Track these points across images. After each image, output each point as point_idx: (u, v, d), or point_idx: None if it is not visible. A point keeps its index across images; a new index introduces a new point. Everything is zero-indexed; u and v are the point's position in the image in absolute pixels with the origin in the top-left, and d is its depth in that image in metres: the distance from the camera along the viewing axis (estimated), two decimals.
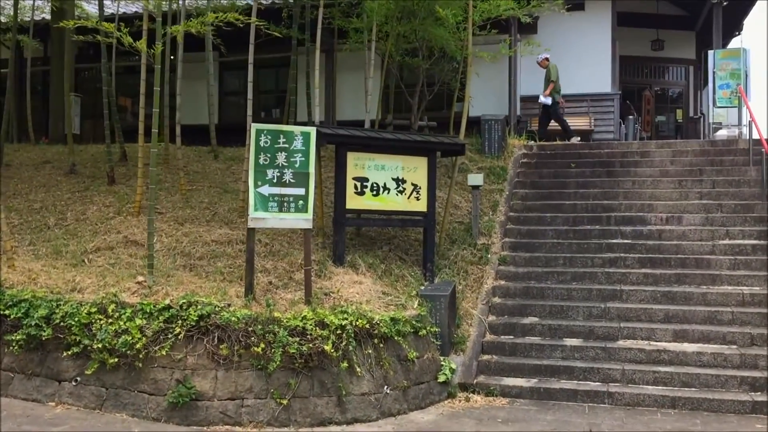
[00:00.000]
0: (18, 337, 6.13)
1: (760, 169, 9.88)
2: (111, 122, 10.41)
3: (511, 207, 10.07)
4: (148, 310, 6.10)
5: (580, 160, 11.12)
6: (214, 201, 9.14)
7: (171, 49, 10.68)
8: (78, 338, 6.04)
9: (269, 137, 6.56)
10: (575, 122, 13.82)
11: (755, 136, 10.22)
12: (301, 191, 6.64)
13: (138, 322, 6.02)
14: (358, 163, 7.78)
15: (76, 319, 6.07)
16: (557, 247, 9.04)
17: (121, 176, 10.10)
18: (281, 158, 6.58)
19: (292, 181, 6.61)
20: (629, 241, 8.94)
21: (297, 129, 6.77)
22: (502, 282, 8.53)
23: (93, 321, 6.08)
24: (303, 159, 6.66)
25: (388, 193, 7.92)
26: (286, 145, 6.61)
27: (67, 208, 8.93)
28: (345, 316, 6.30)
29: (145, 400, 5.88)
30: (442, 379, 6.84)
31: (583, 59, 13.99)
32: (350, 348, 6.16)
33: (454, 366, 7.03)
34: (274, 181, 6.56)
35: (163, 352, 5.92)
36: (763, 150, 9.76)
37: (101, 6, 10.88)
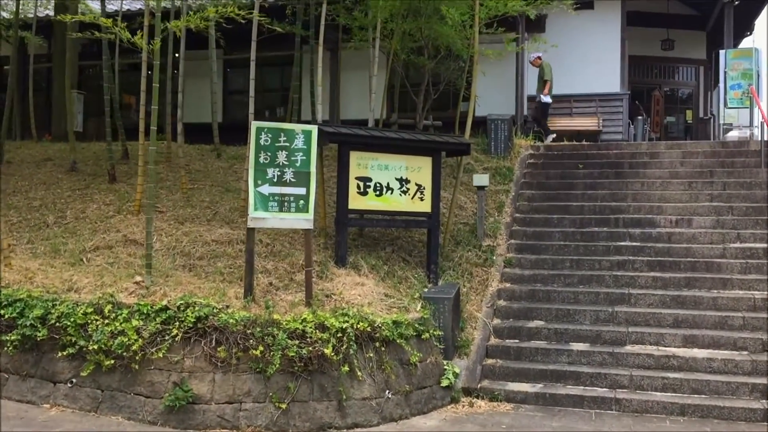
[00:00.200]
0: (13, 338, 6.03)
1: None
2: (113, 120, 10.30)
3: (517, 208, 9.91)
4: (145, 311, 5.98)
5: (587, 161, 10.96)
6: (215, 200, 9.02)
7: (173, 46, 10.59)
8: (74, 339, 5.93)
9: (270, 135, 6.43)
10: (583, 122, 13.67)
11: (767, 137, 10.02)
12: (302, 191, 6.50)
13: (135, 323, 5.90)
14: (361, 163, 7.64)
15: (72, 319, 5.96)
16: (564, 249, 8.88)
17: (122, 174, 10.00)
18: (282, 157, 6.45)
19: (292, 180, 6.48)
20: (638, 244, 8.76)
21: (298, 127, 6.63)
22: (508, 284, 8.38)
23: (89, 322, 5.97)
24: (304, 158, 6.52)
25: (392, 193, 7.77)
26: (287, 144, 6.47)
27: (66, 206, 8.83)
28: (346, 318, 6.16)
29: (141, 403, 5.76)
30: (445, 383, 6.69)
31: (591, 58, 13.80)
32: (351, 351, 6.02)
33: (457, 370, 6.88)
34: (275, 180, 6.42)
35: (160, 354, 5.79)
36: None
37: (103, 2, 10.78)
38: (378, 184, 7.70)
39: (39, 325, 6.00)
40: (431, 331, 6.85)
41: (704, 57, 16.94)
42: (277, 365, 5.77)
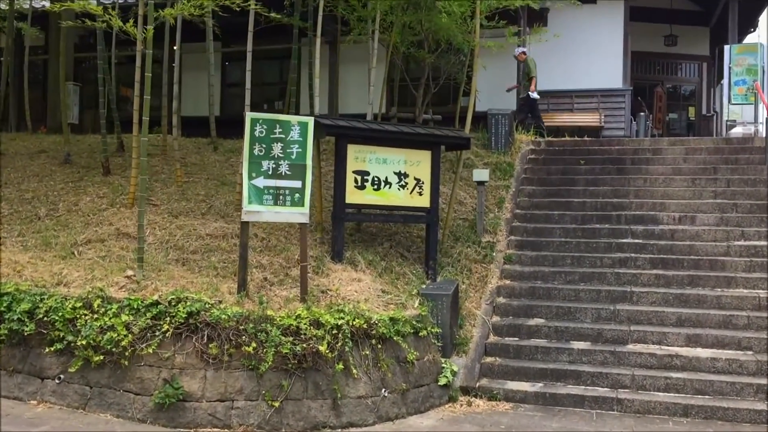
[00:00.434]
0: None
1: None
2: (107, 111, 10.13)
3: (517, 204, 9.75)
4: (135, 306, 5.83)
5: (589, 157, 10.80)
6: (210, 193, 8.86)
7: (170, 37, 10.43)
8: (62, 334, 5.76)
9: (265, 127, 6.27)
10: (584, 118, 13.51)
11: None
12: (297, 184, 6.34)
13: (124, 318, 5.74)
14: (358, 156, 7.48)
15: (60, 314, 5.80)
16: (565, 246, 8.73)
17: (117, 167, 9.85)
18: (277, 149, 6.29)
19: (288, 173, 6.31)
20: (640, 241, 8.61)
21: (294, 119, 6.46)
22: (507, 281, 8.23)
23: (78, 316, 5.81)
24: (300, 150, 6.36)
25: (390, 187, 7.62)
26: (283, 136, 6.31)
27: (59, 198, 8.67)
28: (341, 315, 6.01)
29: (130, 400, 5.61)
30: (443, 382, 6.54)
31: (593, 54, 13.65)
32: (346, 349, 5.87)
33: (455, 368, 6.73)
34: (270, 172, 6.26)
35: (150, 350, 5.64)
36: None
37: None
38: (376, 178, 7.55)
39: (26, 320, 5.84)
40: (429, 329, 6.70)
41: (707, 53, 16.78)
42: (271, 362, 5.62)
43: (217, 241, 7.47)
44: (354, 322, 5.99)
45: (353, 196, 7.46)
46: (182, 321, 5.72)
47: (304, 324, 5.80)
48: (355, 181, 7.46)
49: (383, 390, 6.03)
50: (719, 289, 7.74)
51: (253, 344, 5.64)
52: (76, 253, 7.12)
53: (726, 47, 12.62)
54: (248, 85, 8.69)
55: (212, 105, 11.39)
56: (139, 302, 5.86)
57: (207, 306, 5.84)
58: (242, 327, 5.73)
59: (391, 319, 6.29)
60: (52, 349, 5.77)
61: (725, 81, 12.56)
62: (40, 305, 5.89)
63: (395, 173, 7.63)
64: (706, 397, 6.38)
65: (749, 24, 15.96)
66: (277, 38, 12.07)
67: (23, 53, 13.71)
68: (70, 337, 5.74)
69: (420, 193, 7.76)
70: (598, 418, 6.18)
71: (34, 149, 11.14)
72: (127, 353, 5.64)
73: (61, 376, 5.76)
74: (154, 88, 9.85)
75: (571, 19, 13.37)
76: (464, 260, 8.42)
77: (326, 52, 13.07)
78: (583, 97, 13.66)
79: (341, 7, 11.00)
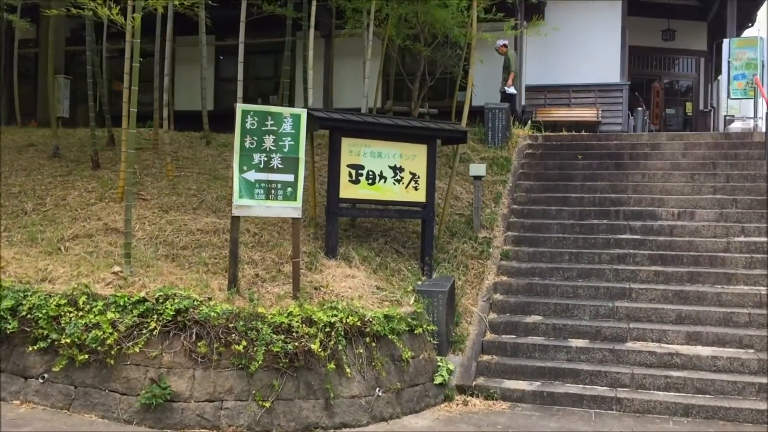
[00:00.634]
0: None
1: None
2: (98, 105, 9.93)
3: (514, 199, 9.61)
4: (121, 303, 5.66)
5: (587, 152, 10.66)
6: (202, 188, 8.68)
7: (162, 28, 10.22)
8: (46, 332, 5.60)
9: (256, 119, 6.09)
10: (582, 113, 13.37)
11: None
12: (289, 177, 6.17)
13: (110, 315, 5.57)
14: (353, 150, 7.31)
15: (44, 311, 5.64)
16: (563, 242, 8.59)
17: (107, 161, 9.65)
18: (269, 142, 6.11)
19: (280, 166, 6.15)
20: (639, 237, 8.48)
21: (286, 110, 6.29)
22: (504, 278, 8.08)
23: (62, 314, 5.65)
24: (292, 143, 6.19)
25: (385, 181, 7.46)
26: (275, 128, 6.14)
27: (46, 192, 8.48)
28: (335, 312, 5.85)
29: (116, 401, 5.45)
30: (438, 380, 6.40)
31: (591, 48, 13.48)
32: (339, 347, 5.71)
33: (451, 367, 6.59)
34: (261, 166, 6.09)
35: (137, 349, 5.48)
36: None
37: None
38: (371, 173, 7.38)
39: (9, 317, 5.67)
40: (424, 326, 6.55)
41: (705, 48, 16.66)
42: (261, 361, 5.46)
43: (208, 236, 7.30)
44: (347, 320, 5.84)
45: (347, 190, 7.30)
46: (170, 318, 5.56)
47: (296, 322, 5.64)
48: (350, 175, 7.30)
49: (377, 389, 5.88)
50: (719, 286, 7.61)
51: (244, 342, 5.48)
52: (62, 248, 6.94)
53: (725, 41, 12.47)
54: (240, 77, 8.52)
55: (205, 99, 11.20)
56: (126, 299, 5.69)
57: (196, 303, 5.68)
58: (232, 325, 5.57)
59: (386, 316, 6.13)
60: (36, 347, 5.61)
61: (724, 75, 12.42)
62: (24, 302, 5.72)
63: (390, 167, 7.47)
64: (707, 396, 6.25)
65: (747, 19, 15.83)
66: (271, 32, 11.88)
67: (13, 46, 13.49)
68: (54, 336, 5.57)
69: (416, 188, 7.60)
70: (597, 418, 6.05)
71: (22, 143, 10.93)
72: (112, 352, 5.48)
73: (45, 376, 5.60)
74: (146, 82, 9.69)
75: (569, 13, 13.22)
76: (460, 256, 8.27)
77: (321, 46, 12.88)
78: (581, 92, 13.52)
79: None
